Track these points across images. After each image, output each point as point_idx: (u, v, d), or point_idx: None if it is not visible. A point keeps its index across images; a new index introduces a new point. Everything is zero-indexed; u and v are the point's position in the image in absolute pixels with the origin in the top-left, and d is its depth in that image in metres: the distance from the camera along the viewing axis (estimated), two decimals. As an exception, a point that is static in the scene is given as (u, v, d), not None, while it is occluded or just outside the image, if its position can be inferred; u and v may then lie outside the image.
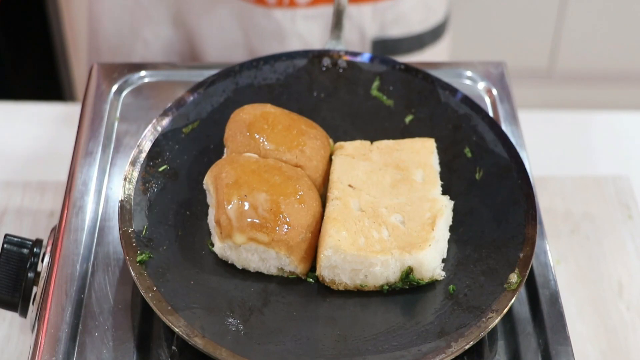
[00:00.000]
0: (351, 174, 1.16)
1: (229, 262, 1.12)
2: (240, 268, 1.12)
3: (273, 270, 1.11)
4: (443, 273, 1.11)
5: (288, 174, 1.13)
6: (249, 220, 1.09)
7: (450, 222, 1.15)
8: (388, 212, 1.12)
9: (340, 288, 1.10)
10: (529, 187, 1.16)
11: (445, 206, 1.13)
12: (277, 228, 1.09)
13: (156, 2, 1.75)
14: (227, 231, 1.09)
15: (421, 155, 1.19)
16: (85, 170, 1.24)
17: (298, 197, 1.11)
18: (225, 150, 1.20)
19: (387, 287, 1.10)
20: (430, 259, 1.09)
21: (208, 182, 1.14)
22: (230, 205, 1.09)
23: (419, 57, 1.80)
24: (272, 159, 1.15)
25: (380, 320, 1.08)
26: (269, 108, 1.20)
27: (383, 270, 1.09)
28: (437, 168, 1.19)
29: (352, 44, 1.73)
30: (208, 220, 1.15)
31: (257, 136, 1.17)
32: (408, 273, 1.09)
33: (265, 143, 1.17)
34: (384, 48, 1.77)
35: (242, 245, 1.09)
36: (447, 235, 1.13)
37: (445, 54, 1.90)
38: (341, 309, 1.09)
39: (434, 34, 1.82)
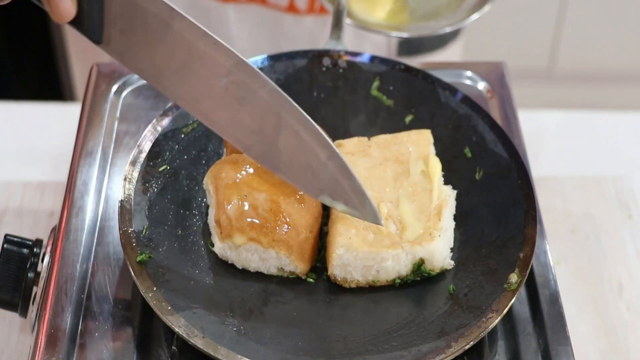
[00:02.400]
0: None
1: (229, 262, 1.12)
2: (240, 268, 1.12)
3: (273, 270, 1.11)
4: (452, 262, 1.11)
5: None
6: (248, 220, 1.09)
7: (454, 211, 1.15)
8: (393, 205, 1.13)
9: (353, 285, 1.10)
10: (529, 187, 1.16)
11: (449, 195, 1.14)
12: (277, 228, 1.09)
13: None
14: (227, 231, 1.09)
15: (420, 147, 1.19)
16: (85, 170, 1.24)
17: (298, 197, 1.11)
18: (224, 150, 1.20)
19: (399, 281, 1.10)
20: (441, 249, 1.10)
21: (208, 182, 1.14)
22: (230, 206, 1.09)
23: (441, 54, 1.81)
24: None
25: (380, 320, 1.08)
26: None
27: (395, 264, 1.09)
28: (437, 158, 1.19)
29: (379, 45, 1.73)
30: (208, 220, 1.15)
31: None
32: (419, 265, 1.10)
33: None
34: (409, 47, 1.77)
35: (242, 246, 1.09)
36: (453, 224, 1.14)
37: (461, 50, 1.90)
38: (341, 309, 1.09)
39: (454, 31, 1.83)
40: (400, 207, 1.13)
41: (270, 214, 1.09)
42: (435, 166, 1.17)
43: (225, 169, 1.13)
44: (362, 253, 1.08)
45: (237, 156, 1.15)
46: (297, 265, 1.10)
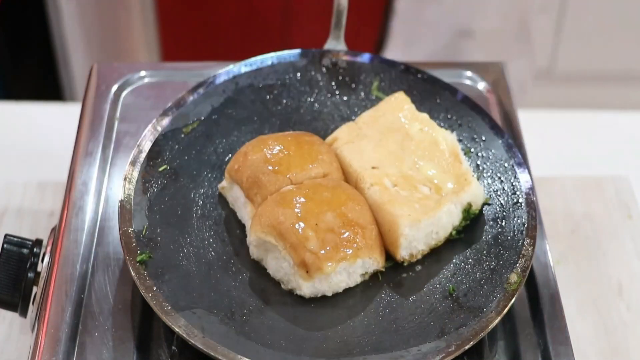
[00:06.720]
0: (365, 157, 1.17)
1: (319, 295, 1.09)
2: (331, 294, 1.10)
3: (358, 279, 1.11)
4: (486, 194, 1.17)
5: (329, 186, 1.13)
6: (332, 244, 1.08)
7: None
8: (414, 172, 1.15)
9: (419, 257, 1.13)
10: (529, 188, 1.16)
11: (453, 138, 1.19)
12: (357, 237, 1.09)
13: None
14: (317, 265, 1.07)
15: (404, 110, 1.21)
16: (85, 170, 1.24)
17: (352, 200, 1.11)
18: (248, 205, 1.15)
19: (454, 232, 1.14)
20: (479, 186, 1.15)
21: (265, 233, 1.10)
22: (310, 241, 1.08)
23: None
24: (306, 181, 1.14)
25: (381, 320, 1.08)
26: (266, 138, 1.18)
27: (449, 218, 1.13)
28: (425, 114, 1.22)
29: None
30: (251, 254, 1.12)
31: (278, 168, 1.14)
32: (468, 210, 1.14)
33: (291, 170, 1.15)
34: None
35: (332, 272, 1.08)
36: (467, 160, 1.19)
37: None
38: (341, 309, 1.09)
39: None
40: (421, 170, 1.15)
41: (345, 227, 1.09)
42: (427, 119, 1.20)
43: (280, 212, 1.10)
44: (424, 223, 1.11)
45: (278, 195, 1.12)
46: (379, 261, 1.11)
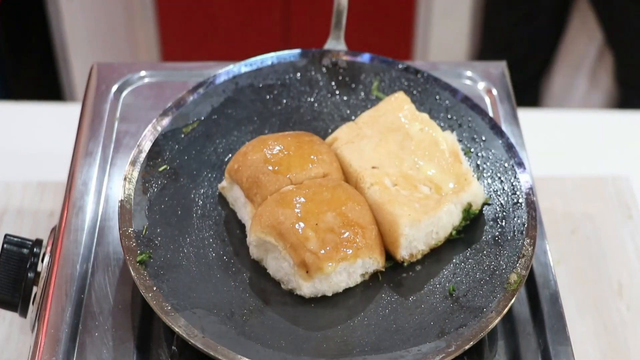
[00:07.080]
0: (365, 157, 1.17)
1: (319, 295, 1.10)
2: (331, 294, 1.10)
3: (358, 279, 1.11)
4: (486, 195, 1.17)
5: (329, 186, 1.13)
6: (332, 244, 1.08)
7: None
8: (415, 172, 1.15)
9: (419, 257, 1.13)
10: (529, 188, 1.16)
11: (453, 139, 1.19)
12: (357, 237, 1.09)
13: None
14: (317, 265, 1.07)
15: (404, 110, 1.21)
16: (85, 170, 1.24)
17: (352, 200, 1.11)
18: (248, 205, 1.15)
19: (454, 232, 1.14)
20: (479, 186, 1.15)
21: (265, 234, 1.10)
22: (309, 241, 1.08)
23: None
24: (306, 181, 1.14)
25: (381, 320, 1.08)
26: (266, 138, 1.18)
27: (449, 218, 1.13)
28: (425, 114, 1.22)
29: None
30: (252, 254, 1.12)
31: (278, 168, 1.14)
32: (468, 210, 1.14)
33: (291, 170, 1.15)
34: None
35: (332, 272, 1.08)
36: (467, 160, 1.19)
37: None
38: (342, 309, 1.09)
39: None
40: (421, 169, 1.16)
41: (345, 227, 1.09)
42: (428, 119, 1.20)
43: (280, 212, 1.10)
44: (424, 223, 1.11)
45: (278, 195, 1.12)
46: (379, 261, 1.11)
